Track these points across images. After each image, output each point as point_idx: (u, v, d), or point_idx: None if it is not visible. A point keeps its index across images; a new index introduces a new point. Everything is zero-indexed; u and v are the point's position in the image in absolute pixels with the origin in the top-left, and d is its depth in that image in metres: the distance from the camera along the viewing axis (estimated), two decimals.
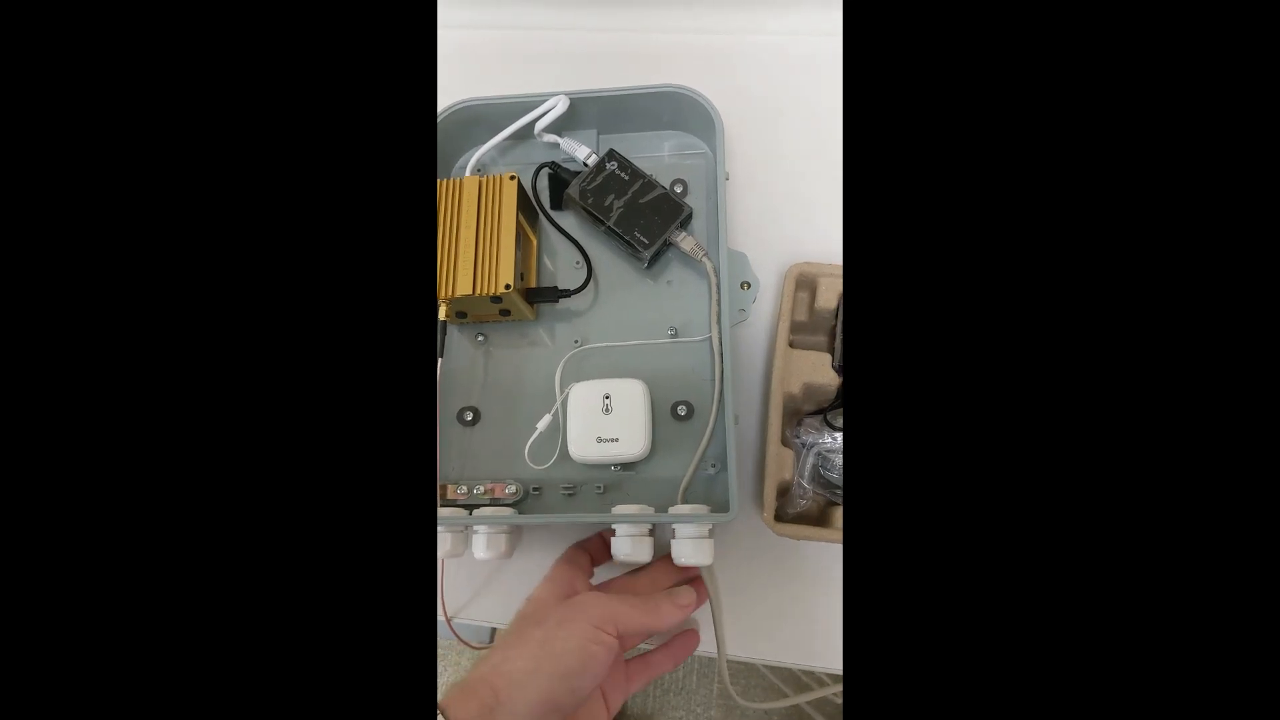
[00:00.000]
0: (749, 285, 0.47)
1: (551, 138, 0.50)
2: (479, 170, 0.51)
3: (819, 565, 0.45)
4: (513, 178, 0.46)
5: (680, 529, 0.42)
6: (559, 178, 0.50)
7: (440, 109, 0.49)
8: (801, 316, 0.47)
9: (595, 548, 0.44)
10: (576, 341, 0.48)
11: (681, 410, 0.46)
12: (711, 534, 0.42)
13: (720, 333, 0.44)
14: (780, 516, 0.43)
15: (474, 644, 0.46)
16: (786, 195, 0.52)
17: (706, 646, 0.44)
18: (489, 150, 0.50)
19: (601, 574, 0.45)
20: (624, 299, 0.49)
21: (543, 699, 0.32)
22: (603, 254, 0.50)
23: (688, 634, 0.44)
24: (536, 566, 0.45)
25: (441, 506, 0.44)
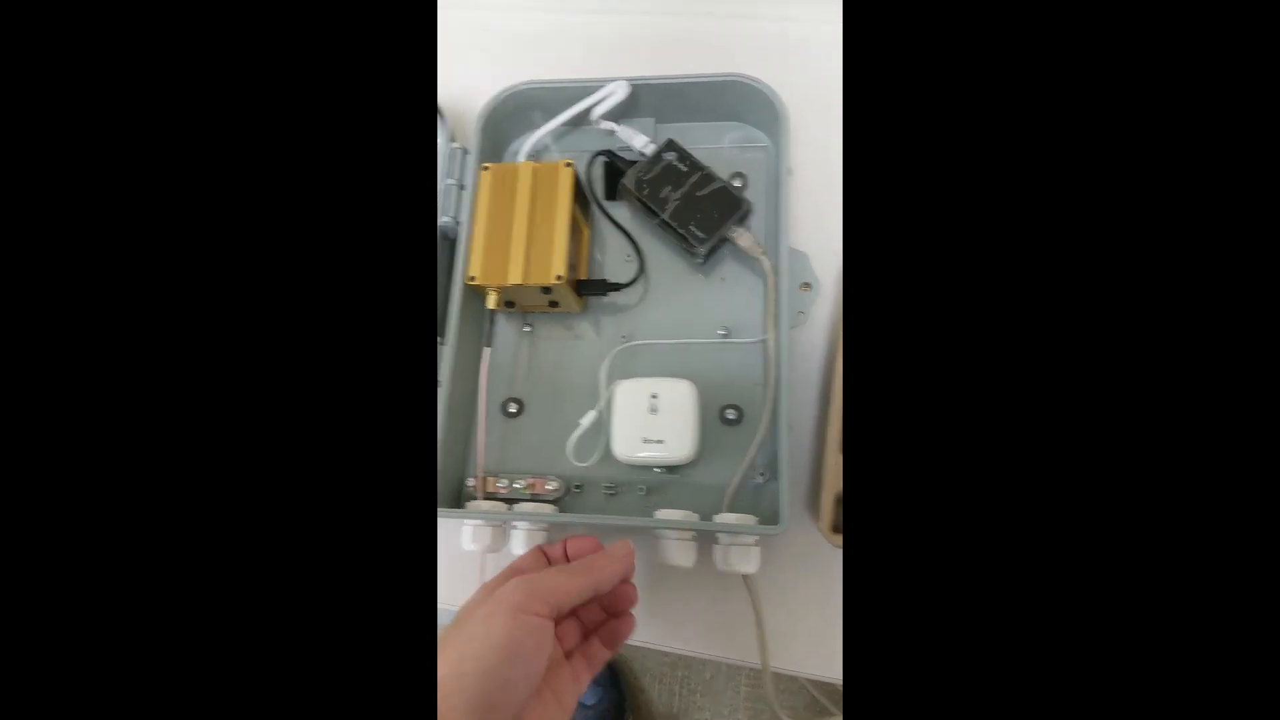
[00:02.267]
0: (809, 286, 0.45)
1: (608, 125, 0.48)
2: (533, 156, 0.49)
3: None
4: (568, 165, 0.45)
5: (723, 535, 0.40)
6: (614, 167, 0.49)
7: (496, 92, 0.48)
8: None
9: (557, 555, 0.38)
10: (623, 337, 0.47)
11: (730, 414, 0.44)
12: (758, 543, 0.40)
13: (778, 335, 0.42)
14: (836, 527, 0.42)
15: None
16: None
17: (743, 654, 0.43)
18: (544, 135, 0.48)
19: (647, 576, 0.43)
20: (675, 295, 0.47)
21: (474, 704, 0.29)
22: (655, 248, 0.48)
23: (622, 618, 0.37)
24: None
25: (482, 499, 0.43)
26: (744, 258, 0.47)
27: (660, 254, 0.48)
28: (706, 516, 0.41)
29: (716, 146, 0.49)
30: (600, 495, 0.44)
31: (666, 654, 1.04)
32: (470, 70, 0.53)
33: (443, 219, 0.47)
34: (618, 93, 0.46)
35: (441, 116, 0.49)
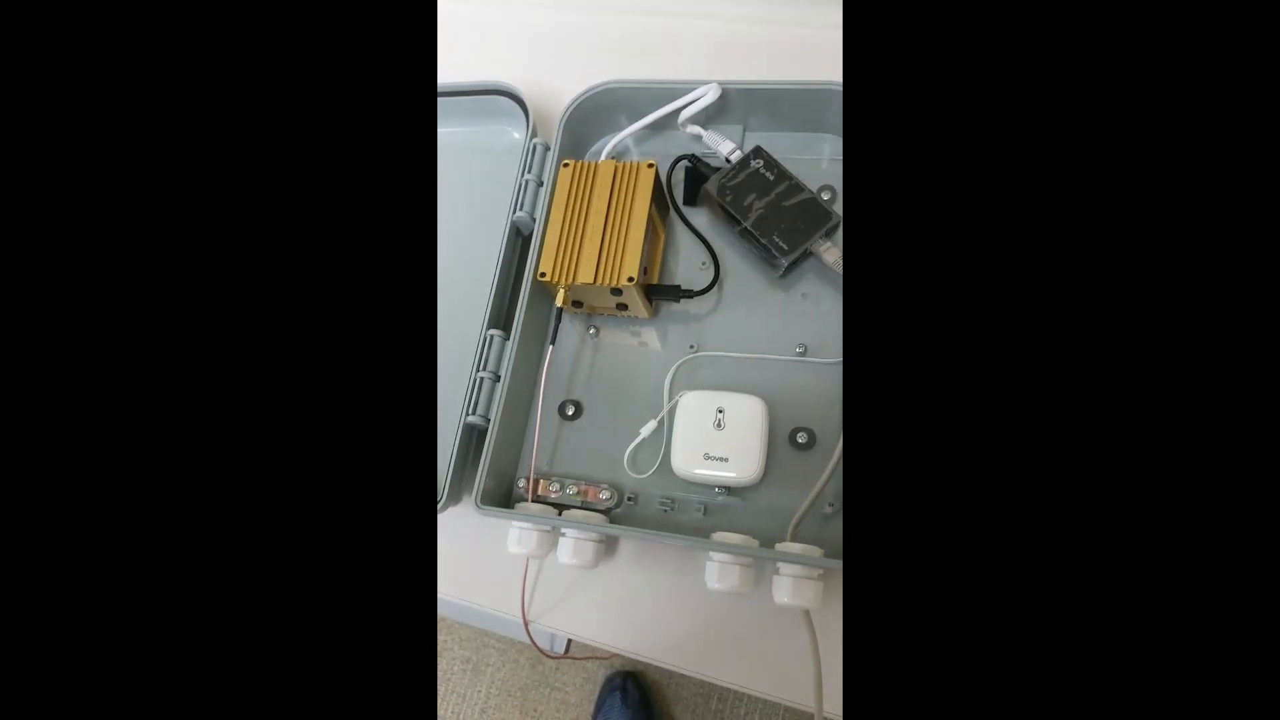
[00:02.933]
0: None
1: (695, 129, 0.47)
2: (615, 158, 0.48)
3: None
4: (650, 165, 0.43)
5: (785, 566, 0.37)
6: (697, 172, 0.47)
7: (582, 90, 0.47)
8: None
9: None
10: (691, 346, 0.45)
11: (801, 438, 0.42)
12: (822, 577, 0.37)
13: None
14: None
15: (549, 652, 0.44)
16: None
17: (793, 693, 0.40)
18: (626, 136, 0.47)
19: (698, 601, 0.41)
20: (750, 307, 0.45)
21: None
22: (733, 258, 0.46)
23: None
24: (623, 580, 0.42)
25: (531, 502, 0.42)
26: (828, 274, 0.44)
27: (737, 264, 0.46)
28: (767, 544, 0.38)
29: (806, 158, 0.47)
30: (655, 510, 0.42)
31: (701, 683, 1.01)
32: (562, 69, 0.52)
33: (518, 214, 0.46)
34: (708, 95, 0.45)
35: (524, 109, 0.48)
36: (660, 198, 0.46)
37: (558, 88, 0.49)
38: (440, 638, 1.16)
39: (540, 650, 0.43)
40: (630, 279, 0.40)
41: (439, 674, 1.09)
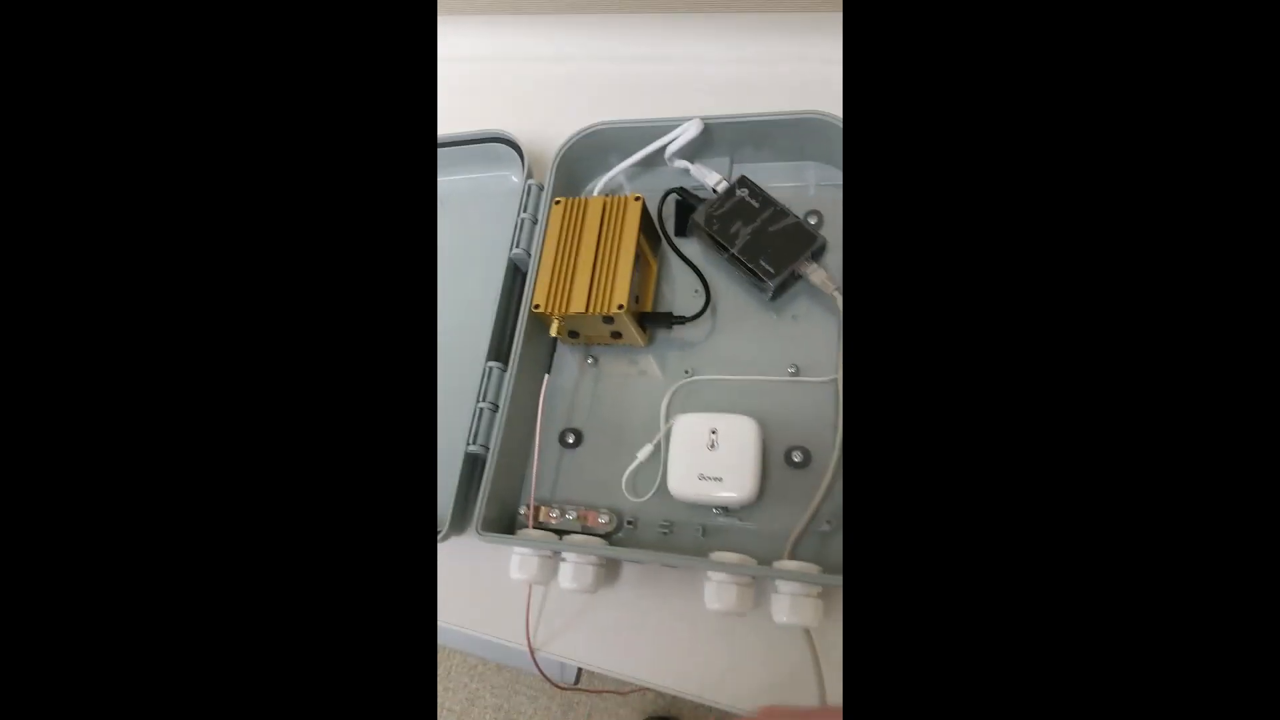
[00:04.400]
0: None
1: (682, 163, 0.49)
2: (611, 194, 0.50)
3: None
4: (637, 199, 0.45)
5: (783, 584, 0.37)
6: (686, 204, 0.49)
7: (572, 133, 0.49)
8: None
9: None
10: (687, 371, 0.45)
11: (796, 456, 0.42)
12: (820, 595, 0.37)
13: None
14: None
15: (559, 683, 0.44)
16: None
17: None
18: (617, 174, 0.49)
19: (698, 624, 0.41)
20: (743, 331, 0.46)
21: None
22: (726, 285, 0.48)
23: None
24: (625, 604, 0.42)
25: (532, 529, 0.43)
26: (818, 295, 0.45)
27: (730, 290, 0.47)
28: (766, 563, 0.38)
29: (792, 185, 0.49)
30: (655, 533, 0.43)
31: (710, 708, 0.97)
32: (558, 115, 0.55)
33: (514, 251, 0.48)
34: (690, 130, 0.47)
35: (520, 154, 0.51)
36: (650, 229, 0.47)
37: (554, 133, 0.51)
38: (472, 685, 1.15)
39: (549, 680, 0.43)
40: (620, 306, 0.42)
41: None
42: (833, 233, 0.46)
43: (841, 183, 0.47)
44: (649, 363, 0.47)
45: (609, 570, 0.43)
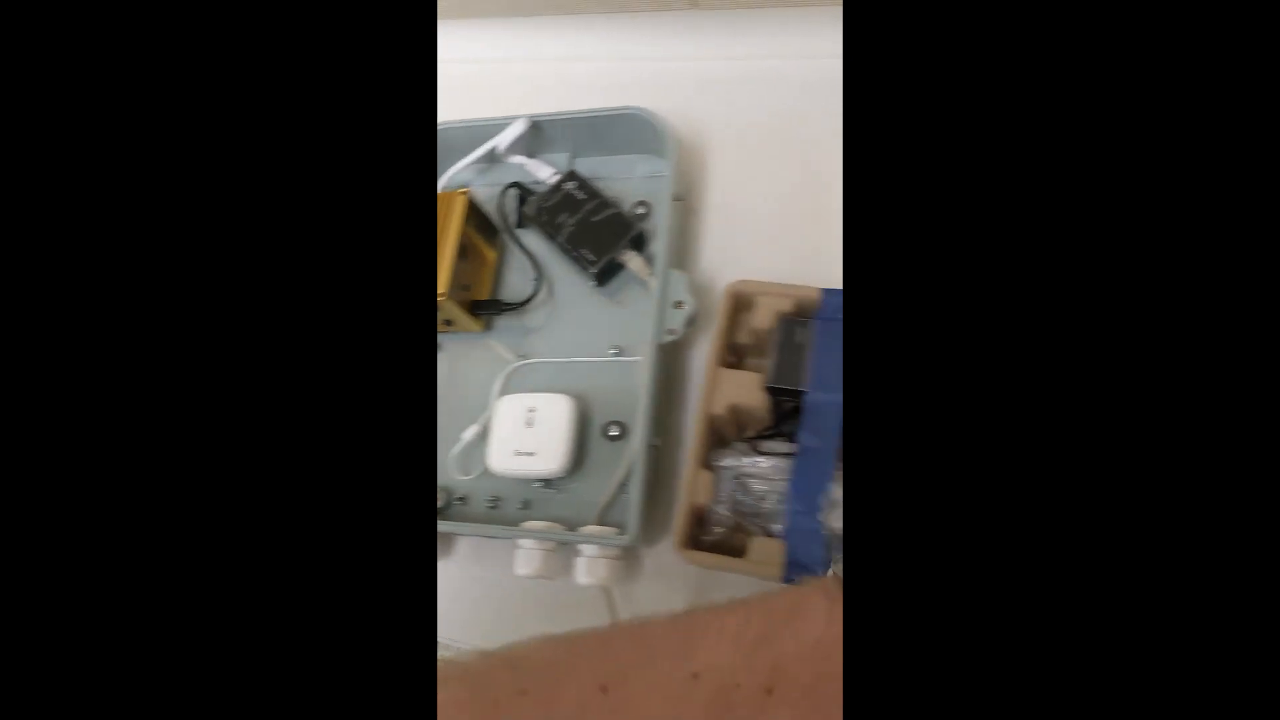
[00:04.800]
0: (682, 304, 0.45)
1: (517, 159, 0.51)
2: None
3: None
4: (463, 192, 0.48)
5: (585, 547, 0.40)
6: (525, 197, 0.51)
7: None
8: (745, 339, 0.45)
9: None
10: (520, 355, 0.48)
11: (614, 431, 0.45)
12: (620, 556, 0.40)
13: (649, 352, 0.42)
14: (698, 545, 0.41)
15: None
16: (765, 220, 0.50)
17: None
18: (456, 172, 0.52)
19: (512, 589, 0.44)
20: (576, 316, 0.49)
21: None
22: (564, 273, 0.50)
23: None
24: (451, 577, 0.45)
25: None
26: (642, 280, 0.48)
27: (568, 278, 0.50)
28: (576, 529, 0.41)
29: (626, 177, 0.51)
30: (483, 508, 0.45)
31: None
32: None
33: None
34: (517, 127, 0.49)
35: None
36: (485, 222, 0.50)
37: None
38: None
39: None
40: (440, 295, 0.44)
41: None
42: (661, 222, 0.49)
43: (665, 174, 0.50)
44: (486, 349, 0.49)
45: (443, 545, 0.46)
